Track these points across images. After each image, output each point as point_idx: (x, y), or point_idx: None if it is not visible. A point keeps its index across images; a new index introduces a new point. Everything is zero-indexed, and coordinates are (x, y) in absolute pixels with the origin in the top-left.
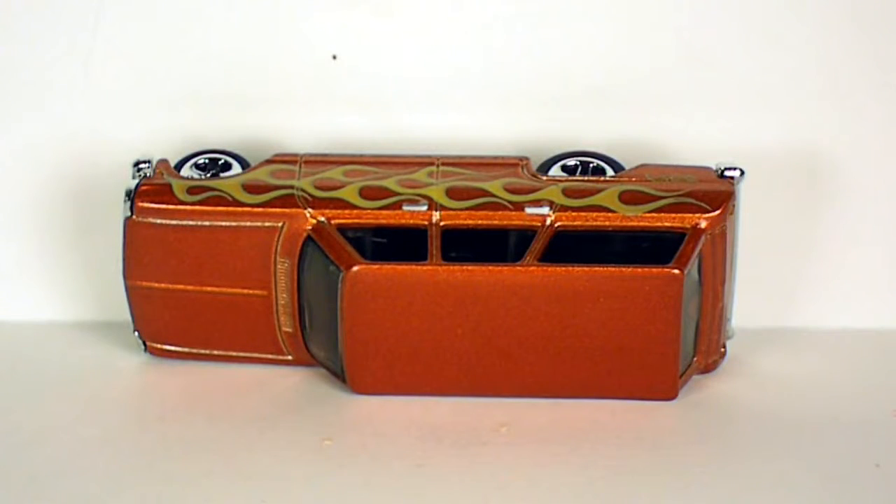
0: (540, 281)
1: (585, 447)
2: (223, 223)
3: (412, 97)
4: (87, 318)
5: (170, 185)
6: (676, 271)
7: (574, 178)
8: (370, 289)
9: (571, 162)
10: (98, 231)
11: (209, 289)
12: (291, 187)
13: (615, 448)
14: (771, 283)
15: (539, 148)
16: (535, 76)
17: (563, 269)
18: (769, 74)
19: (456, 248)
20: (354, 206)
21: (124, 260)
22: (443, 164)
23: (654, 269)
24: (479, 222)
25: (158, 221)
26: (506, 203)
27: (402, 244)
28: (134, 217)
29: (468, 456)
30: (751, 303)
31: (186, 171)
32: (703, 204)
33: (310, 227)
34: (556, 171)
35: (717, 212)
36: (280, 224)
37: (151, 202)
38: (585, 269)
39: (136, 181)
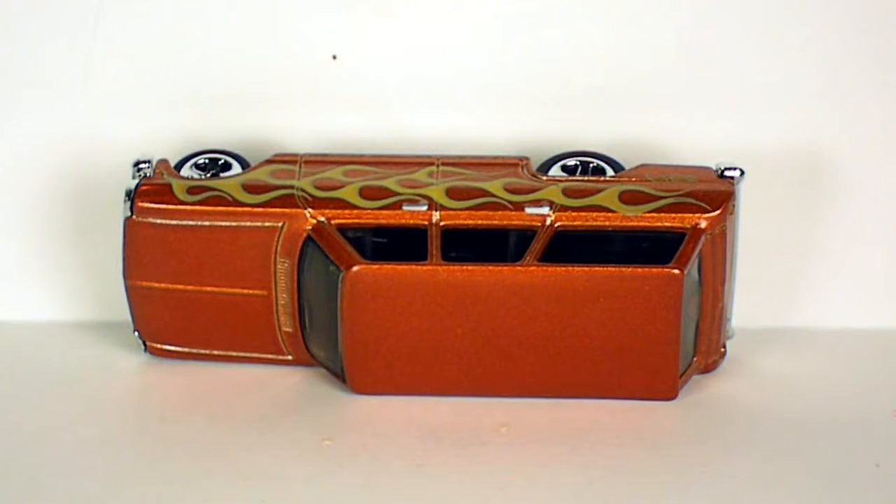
0: (540, 281)
1: (585, 447)
2: (223, 223)
3: (412, 97)
4: (87, 318)
5: (170, 185)
6: (676, 271)
7: (574, 178)
8: (370, 289)
9: (571, 162)
10: (98, 231)
11: (209, 289)
12: (291, 187)
13: (615, 448)
14: (771, 283)
15: (539, 148)
16: (535, 76)
17: (563, 269)
18: (769, 74)
19: (456, 248)
20: (354, 206)
21: (124, 260)
22: (443, 164)
23: (654, 269)
24: (479, 222)
25: (158, 221)
26: (506, 203)
27: (402, 244)
28: (134, 217)
29: (468, 456)
30: (751, 303)
31: (186, 171)
32: (703, 204)
33: (310, 227)
34: (556, 171)
35: (717, 212)
36: (280, 224)
37: (151, 202)
38: (585, 269)
39: (136, 181)
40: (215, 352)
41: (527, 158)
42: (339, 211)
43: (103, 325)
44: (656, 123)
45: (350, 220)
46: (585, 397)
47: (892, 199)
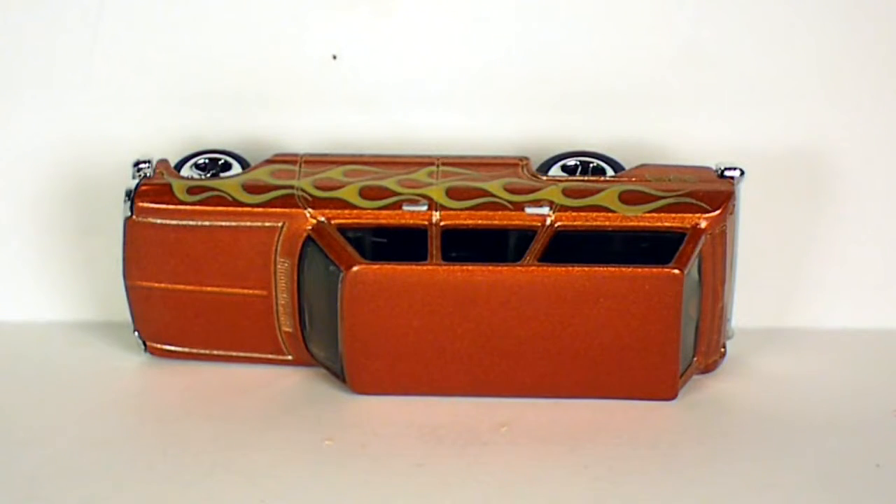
0: (540, 281)
1: (585, 447)
2: (223, 223)
3: (412, 97)
4: (87, 318)
5: (170, 185)
6: (676, 271)
7: (574, 178)
8: (370, 289)
9: (571, 162)
10: (98, 231)
11: (209, 289)
12: (291, 187)
13: (615, 448)
14: (771, 283)
15: (539, 148)
16: (535, 76)
17: (563, 269)
18: (769, 74)
19: (456, 248)
20: (354, 206)
21: (124, 260)
22: (443, 164)
23: (654, 269)
24: (479, 222)
25: (158, 221)
26: (506, 203)
27: (402, 244)
28: (134, 217)
29: (468, 456)
30: (751, 303)
31: (186, 171)
32: (703, 204)
33: (310, 227)
34: (556, 171)
35: (717, 212)
36: (280, 224)
37: (151, 202)
38: (585, 269)
39: (136, 181)
40: (215, 352)
41: (527, 158)
42: (339, 211)
43: (103, 325)
44: (656, 123)
45: (350, 220)
46: (585, 397)
47: (892, 199)
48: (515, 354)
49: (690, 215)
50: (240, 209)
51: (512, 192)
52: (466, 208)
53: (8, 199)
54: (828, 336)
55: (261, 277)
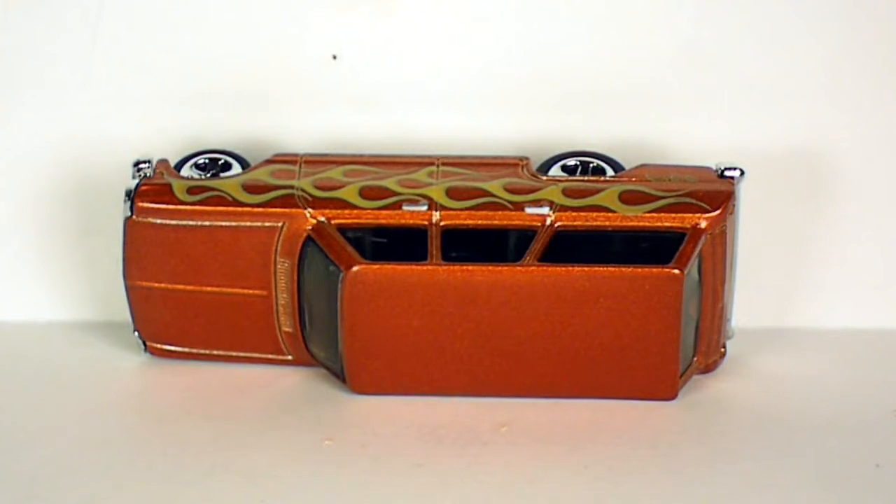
0: (540, 281)
1: (585, 447)
2: (223, 223)
3: (412, 97)
4: (87, 318)
5: (170, 185)
6: (676, 271)
7: (574, 178)
8: (370, 289)
9: (571, 162)
10: (98, 231)
11: (209, 289)
12: (291, 187)
13: (615, 448)
14: (771, 283)
15: (539, 148)
16: (535, 76)
17: (563, 269)
18: (769, 74)
19: (456, 248)
20: (354, 206)
21: (124, 260)
22: (443, 164)
23: (654, 269)
24: (479, 222)
25: (158, 221)
26: (506, 203)
27: (402, 244)
28: (134, 217)
29: (468, 456)
30: (751, 303)
31: (186, 171)
32: (703, 204)
33: (310, 227)
34: (556, 171)
35: (717, 212)
36: (280, 224)
37: (151, 202)
38: (585, 269)
39: (136, 181)
40: (215, 352)
41: (527, 158)
42: (339, 211)
43: (103, 325)
44: (656, 123)
45: (350, 220)
46: (585, 397)
47: (892, 199)
48: (515, 354)
49: (690, 215)
50: (240, 209)
51: (512, 192)
52: (466, 208)
53: (8, 199)
54: (828, 336)
55: (261, 277)
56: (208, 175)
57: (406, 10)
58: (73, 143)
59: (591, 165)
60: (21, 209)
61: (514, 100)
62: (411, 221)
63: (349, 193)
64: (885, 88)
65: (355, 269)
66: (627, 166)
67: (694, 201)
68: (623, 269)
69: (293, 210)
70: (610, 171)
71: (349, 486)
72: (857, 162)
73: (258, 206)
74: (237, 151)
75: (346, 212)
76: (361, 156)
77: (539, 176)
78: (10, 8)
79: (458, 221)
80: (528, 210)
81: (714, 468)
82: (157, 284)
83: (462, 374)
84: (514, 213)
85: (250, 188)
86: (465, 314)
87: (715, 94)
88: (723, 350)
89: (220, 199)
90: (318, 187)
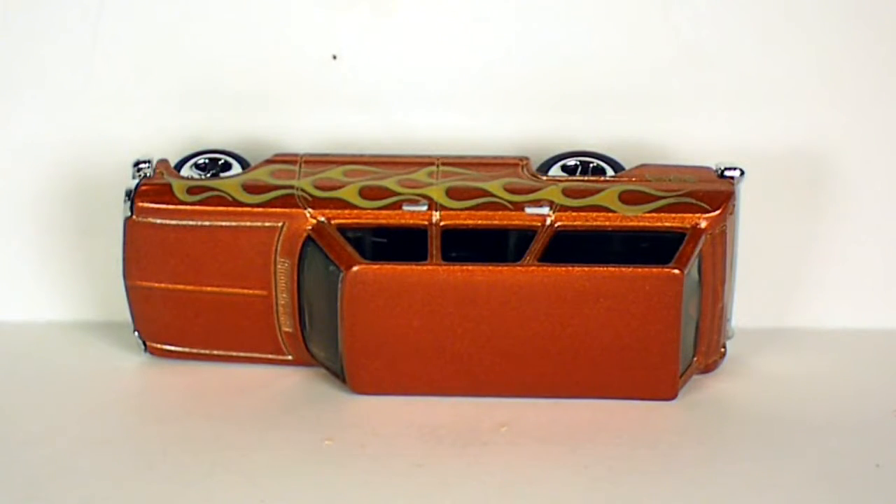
0: (540, 281)
1: (585, 447)
2: (223, 223)
3: (412, 97)
4: (87, 318)
5: (170, 185)
6: (676, 271)
7: (574, 178)
8: (370, 289)
9: (571, 162)
10: (98, 231)
11: (209, 289)
12: (291, 187)
13: (615, 448)
14: (771, 283)
15: (539, 148)
16: (535, 76)
17: (563, 269)
18: (769, 74)
19: (456, 248)
20: (354, 206)
21: (124, 260)
22: (443, 164)
23: (654, 269)
24: (479, 222)
25: (158, 221)
26: (506, 203)
27: (402, 244)
28: (134, 217)
29: (468, 456)
30: (751, 303)
31: (186, 171)
32: (703, 204)
33: (310, 227)
34: (556, 171)
35: (717, 212)
36: (280, 224)
37: (151, 202)
38: (585, 269)
39: (136, 181)
40: (215, 352)
41: (527, 158)
42: (339, 211)
43: (103, 325)
44: (656, 123)
45: (350, 220)
46: (585, 397)
47: (892, 199)
48: (515, 354)
49: (690, 215)
50: (240, 209)
51: (512, 192)
52: (466, 208)
53: (8, 199)
54: (828, 336)
55: (261, 277)
56: (208, 175)
57: (406, 10)
58: (73, 143)
59: (591, 165)
60: (21, 209)
61: (514, 100)
62: (411, 221)
63: (349, 193)
64: (884, 88)
65: (355, 269)
66: (627, 166)
67: (694, 201)
68: (623, 269)
69: (293, 210)
70: (610, 171)
71: (349, 486)
72: (857, 162)
73: (258, 206)
74: (237, 151)
75: (346, 212)
76: (361, 156)
77: (539, 176)
78: (10, 8)
79: (458, 221)
80: (528, 210)
81: (714, 468)
82: (157, 284)
83: (462, 374)
84: (514, 213)
85: (250, 188)
86: (465, 314)
87: (715, 94)
88: (723, 350)
89: (220, 199)
90: (318, 187)
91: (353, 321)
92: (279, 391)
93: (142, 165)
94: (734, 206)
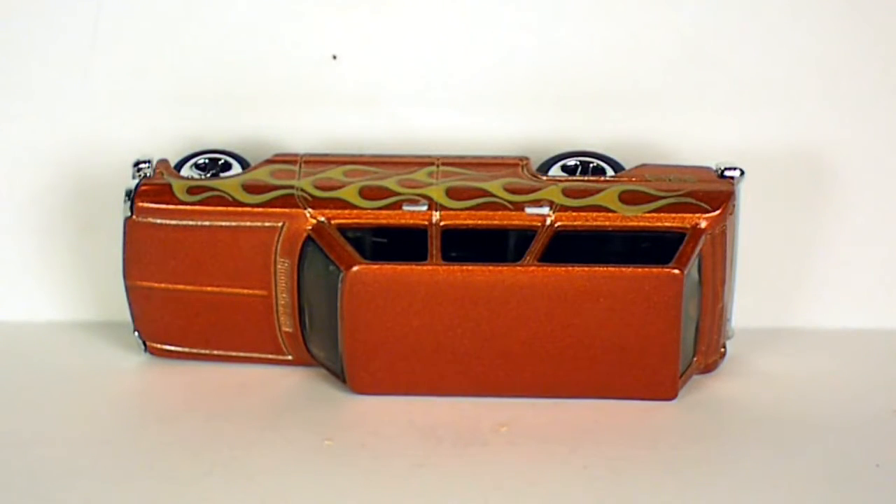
0: (540, 281)
1: (585, 447)
2: (223, 223)
3: (412, 97)
4: (87, 318)
5: (170, 185)
6: (676, 271)
7: (574, 178)
8: (370, 289)
9: (571, 162)
10: (98, 231)
11: (209, 289)
12: (291, 187)
13: (615, 448)
14: (771, 283)
15: (539, 148)
16: (535, 76)
17: (563, 269)
18: (769, 74)
19: (456, 248)
20: (354, 206)
21: (124, 260)
22: (443, 164)
23: (654, 269)
24: (479, 222)
25: (158, 221)
26: (506, 203)
27: (402, 244)
28: (134, 217)
29: (468, 456)
30: (751, 303)
31: (186, 171)
32: (703, 204)
33: (310, 227)
34: (556, 171)
35: (717, 212)
36: (280, 224)
37: (151, 202)
38: (585, 269)
39: (136, 181)
40: (215, 352)
41: (527, 158)
42: (339, 211)
43: (103, 325)
44: (656, 123)
45: (350, 220)
46: (585, 397)
47: (892, 199)
48: (515, 354)
49: (690, 215)
50: (240, 209)
51: (512, 192)
52: (466, 208)
53: (8, 199)
54: (828, 336)
55: (261, 277)
56: (208, 175)
57: (406, 10)
58: (73, 143)
59: (591, 165)
60: (21, 209)
61: (514, 100)
62: (411, 221)
63: (349, 193)
64: (884, 89)
65: (355, 269)
66: (627, 166)
67: (694, 201)
68: (623, 269)
69: (293, 210)
70: (610, 171)
71: (349, 486)
72: (856, 162)
73: (258, 206)
74: (237, 151)
75: (346, 212)
76: (361, 156)
77: (539, 176)
78: (9, 8)
79: (458, 221)
80: (528, 210)
81: (714, 468)
82: (157, 284)
83: (462, 374)
84: (514, 213)
85: (250, 188)
86: (465, 314)
87: (715, 94)
88: (723, 350)
89: (220, 199)
90: (318, 187)
91: (353, 321)
92: (279, 391)
93: (142, 165)
94: (734, 206)
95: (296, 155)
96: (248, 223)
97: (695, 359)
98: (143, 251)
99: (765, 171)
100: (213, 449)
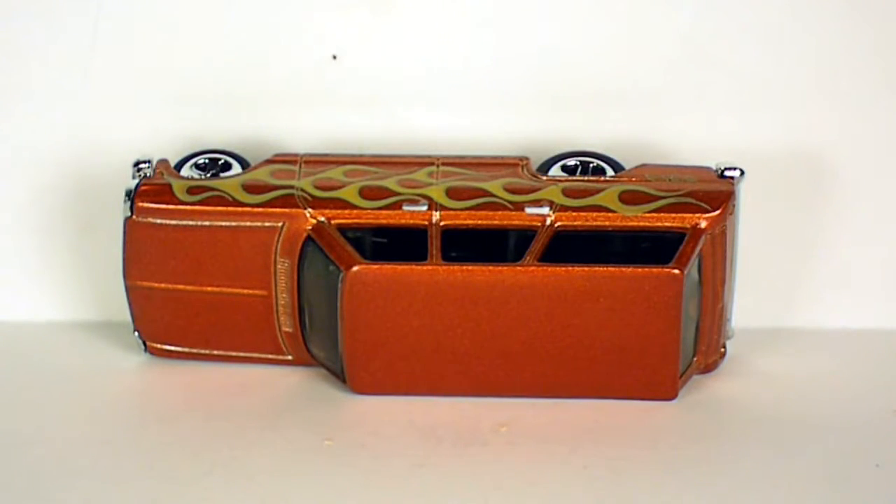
0: (540, 281)
1: (585, 447)
2: (223, 223)
3: (412, 97)
4: (87, 318)
5: (170, 185)
6: (676, 271)
7: (574, 178)
8: (370, 289)
9: (571, 162)
10: (98, 231)
11: (209, 289)
12: (291, 187)
13: (615, 448)
14: (771, 283)
15: (539, 148)
16: (535, 76)
17: (563, 269)
18: (769, 74)
19: (456, 248)
20: (354, 206)
21: (124, 260)
22: (443, 164)
23: (654, 269)
24: (479, 222)
25: (158, 221)
26: (506, 203)
27: (402, 244)
28: (134, 217)
29: (468, 456)
30: (751, 303)
31: (186, 171)
32: (703, 204)
33: (310, 227)
34: (556, 171)
35: (717, 212)
36: (280, 224)
37: (151, 202)
38: (585, 269)
39: (136, 181)
40: (215, 352)
41: (527, 158)
42: (339, 211)
43: (103, 325)
44: (656, 123)
45: (350, 220)
46: (585, 397)
47: (892, 200)
48: (515, 354)
49: (690, 215)
50: (240, 209)
51: (512, 192)
52: (466, 208)
53: (8, 199)
54: (828, 336)
55: (261, 277)
56: (208, 175)
57: (406, 9)
58: (73, 143)
59: (591, 165)
60: (21, 209)
61: (514, 100)
62: (411, 221)
63: (349, 193)
64: (884, 89)
65: (355, 269)
66: (627, 166)
67: (694, 201)
68: (623, 269)
69: (293, 210)
70: (610, 171)
71: (349, 486)
72: (857, 162)
73: (258, 206)
74: (237, 151)
75: (346, 212)
76: (361, 156)
77: (539, 176)
78: (9, 8)
79: (458, 221)
80: (528, 210)
81: (714, 468)
82: (157, 284)
83: (462, 374)
84: (514, 213)
85: (250, 188)
86: (465, 314)
87: (715, 94)
88: (723, 350)
89: (220, 199)
90: (318, 187)
91: (353, 321)
92: (279, 391)
93: (142, 165)
94: (734, 206)
95: (296, 155)
96: (248, 223)
97: (695, 359)
98: (143, 251)
99: (765, 171)
100: (213, 449)
